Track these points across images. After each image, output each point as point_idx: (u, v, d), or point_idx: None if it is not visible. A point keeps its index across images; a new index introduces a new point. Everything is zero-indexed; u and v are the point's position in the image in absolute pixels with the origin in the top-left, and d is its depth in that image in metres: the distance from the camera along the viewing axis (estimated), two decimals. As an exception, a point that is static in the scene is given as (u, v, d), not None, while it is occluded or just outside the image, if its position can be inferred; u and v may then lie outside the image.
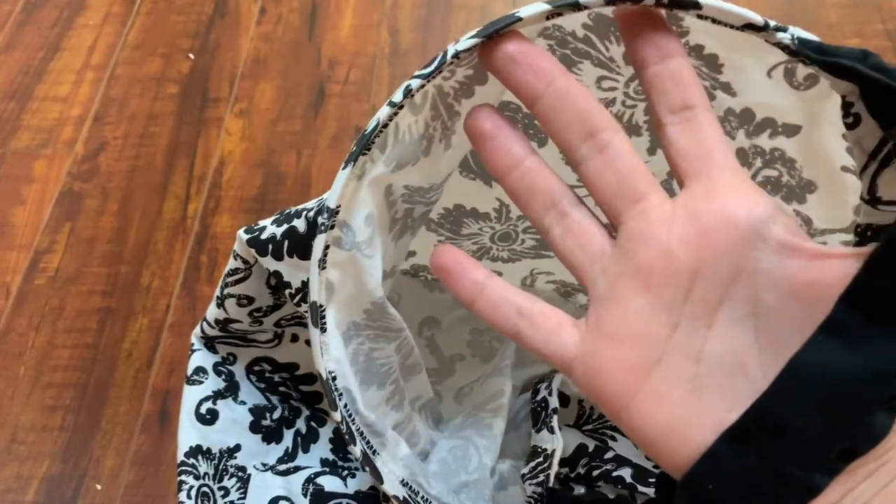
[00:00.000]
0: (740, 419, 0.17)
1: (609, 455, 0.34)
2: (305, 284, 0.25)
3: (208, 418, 0.30)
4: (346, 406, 0.23)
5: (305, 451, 0.32)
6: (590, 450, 0.34)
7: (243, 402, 0.31)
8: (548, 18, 0.19)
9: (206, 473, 0.29)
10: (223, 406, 0.31)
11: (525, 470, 0.31)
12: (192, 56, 0.63)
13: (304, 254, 0.25)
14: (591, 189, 0.19)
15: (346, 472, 0.31)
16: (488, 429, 0.33)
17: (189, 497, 0.28)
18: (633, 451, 0.34)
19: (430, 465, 0.31)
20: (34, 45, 0.65)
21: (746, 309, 0.17)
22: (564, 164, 0.30)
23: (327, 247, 0.22)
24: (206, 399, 0.30)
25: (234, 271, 0.27)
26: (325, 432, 0.33)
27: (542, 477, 0.30)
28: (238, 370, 0.32)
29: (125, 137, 0.58)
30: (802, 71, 0.24)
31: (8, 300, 0.51)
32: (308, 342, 0.32)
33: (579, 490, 0.34)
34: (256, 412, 0.31)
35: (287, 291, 0.26)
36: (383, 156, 0.22)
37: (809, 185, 0.28)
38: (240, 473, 0.30)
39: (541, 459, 0.30)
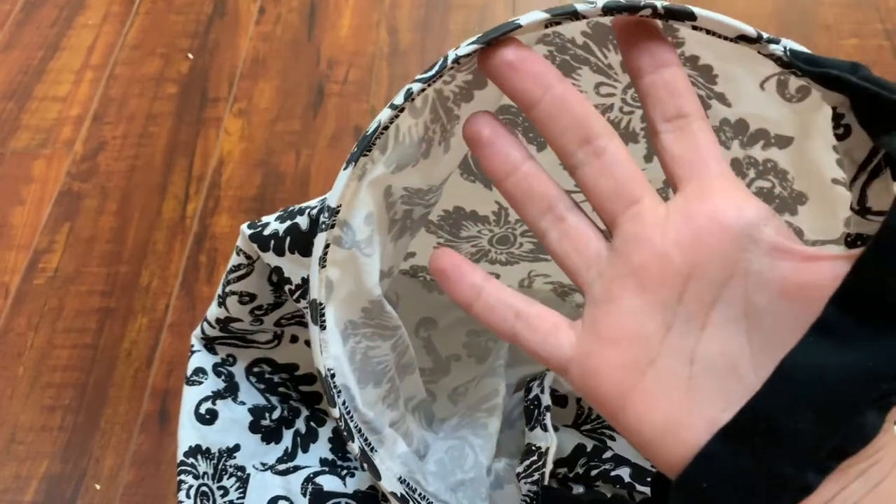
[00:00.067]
0: (734, 419, 0.17)
1: (607, 455, 0.34)
2: (305, 281, 0.25)
3: (208, 418, 0.30)
4: (344, 403, 0.23)
5: (305, 450, 0.32)
6: (588, 449, 0.34)
7: (243, 403, 0.32)
8: (547, 26, 0.19)
9: (205, 473, 0.29)
10: (223, 406, 0.31)
11: (520, 469, 0.31)
12: (191, 56, 0.63)
13: (306, 251, 0.25)
14: (587, 193, 0.20)
15: (345, 472, 0.31)
16: (483, 428, 0.33)
17: (188, 496, 0.28)
18: (631, 450, 0.35)
19: (427, 465, 0.31)
20: (33, 45, 0.65)
21: (739, 310, 0.18)
22: (562, 169, 0.30)
23: (328, 245, 0.22)
24: (206, 399, 0.31)
25: (237, 267, 0.28)
26: (325, 432, 0.33)
27: (536, 475, 0.30)
28: (238, 371, 0.32)
29: (124, 137, 0.59)
30: (794, 83, 0.24)
31: (7, 300, 0.51)
32: (308, 343, 0.32)
33: (578, 490, 0.34)
34: (256, 412, 0.32)
35: (287, 287, 0.26)
36: (384, 157, 0.22)
37: (801, 197, 0.28)
38: (239, 473, 0.30)
39: (535, 458, 0.31)
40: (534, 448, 0.31)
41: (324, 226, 0.21)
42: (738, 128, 0.27)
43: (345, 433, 0.23)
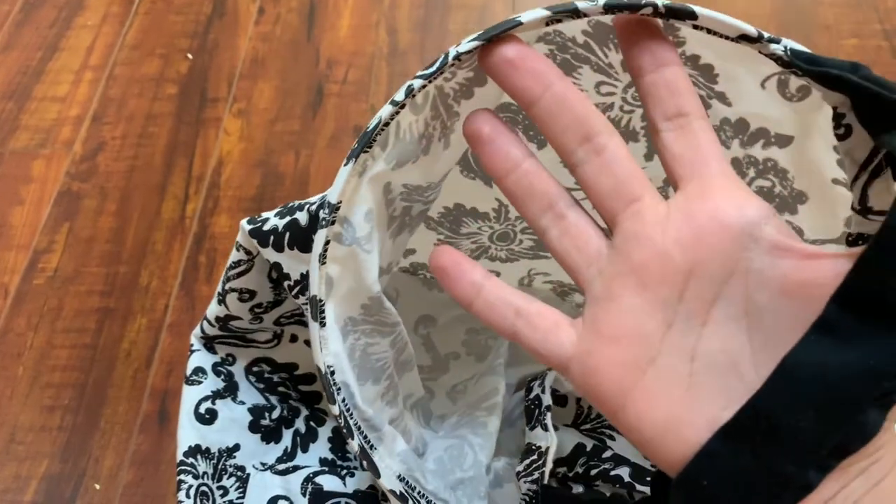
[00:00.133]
0: (734, 417, 0.17)
1: (607, 454, 0.34)
2: (305, 277, 0.25)
3: (207, 418, 0.30)
4: (344, 400, 0.23)
5: (304, 450, 0.32)
6: (588, 449, 0.34)
7: (242, 402, 0.32)
8: (548, 24, 0.19)
9: (205, 473, 0.29)
10: (222, 406, 0.31)
11: (520, 468, 0.31)
12: (190, 56, 0.63)
13: (305, 246, 0.25)
14: (588, 191, 0.20)
15: (344, 472, 0.31)
16: (483, 427, 0.33)
17: (188, 496, 0.28)
18: (631, 450, 0.35)
19: (426, 463, 0.31)
20: (32, 46, 0.65)
21: (740, 308, 0.18)
22: (563, 167, 0.30)
23: (328, 242, 0.22)
24: (206, 399, 0.31)
25: (237, 263, 0.28)
26: (324, 432, 0.33)
27: (536, 474, 0.30)
28: (237, 370, 0.32)
29: (123, 137, 0.59)
30: (795, 83, 0.24)
31: (6, 300, 0.51)
32: (307, 342, 0.32)
33: (578, 489, 0.34)
34: (255, 412, 0.32)
35: (286, 284, 0.26)
36: (384, 153, 0.22)
37: (801, 196, 0.28)
38: (239, 473, 0.30)
39: (535, 457, 0.31)
40: (534, 447, 0.31)
41: (324, 222, 0.21)
42: (738, 127, 0.27)
43: (344, 430, 0.23)
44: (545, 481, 0.30)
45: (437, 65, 0.20)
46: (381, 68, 0.61)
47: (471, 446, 0.33)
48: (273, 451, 0.32)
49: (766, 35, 0.19)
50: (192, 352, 0.31)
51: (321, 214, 0.22)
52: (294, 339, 0.32)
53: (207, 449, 0.30)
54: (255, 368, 0.32)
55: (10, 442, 0.46)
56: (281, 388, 0.33)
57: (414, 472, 0.26)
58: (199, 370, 0.31)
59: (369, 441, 0.24)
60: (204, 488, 0.29)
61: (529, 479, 0.30)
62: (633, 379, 0.19)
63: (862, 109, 0.18)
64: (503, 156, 0.20)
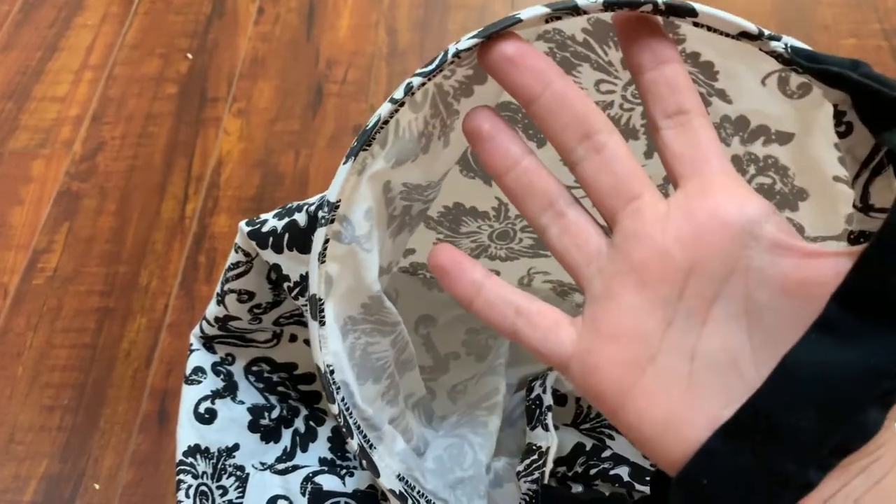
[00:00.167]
0: (734, 416, 0.17)
1: (606, 454, 0.34)
2: (304, 278, 0.25)
3: (207, 418, 0.30)
4: (343, 400, 0.23)
5: (304, 450, 0.32)
6: (587, 448, 0.34)
7: (242, 402, 0.32)
8: (547, 21, 0.19)
9: (204, 472, 0.29)
10: (222, 405, 0.31)
11: (520, 467, 0.31)
12: (190, 56, 0.63)
13: (304, 248, 0.25)
14: (587, 189, 0.20)
15: (344, 471, 0.31)
16: (483, 426, 0.33)
17: (187, 496, 0.28)
18: (630, 449, 0.35)
19: (426, 462, 0.31)
20: (32, 45, 0.65)
21: (740, 307, 0.18)
22: (563, 165, 0.30)
23: (327, 240, 0.22)
24: (205, 398, 0.31)
25: (236, 265, 0.28)
26: (324, 431, 0.33)
27: (536, 474, 0.30)
28: (236, 370, 0.32)
29: (123, 137, 0.59)
30: (796, 80, 0.24)
31: (6, 300, 0.51)
32: (307, 342, 0.32)
33: (577, 489, 0.34)
34: (255, 412, 0.32)
35: (286, 285, 0.26)
36: (383, 152, 0.22)
37: (801, 193, 0.28)
38: (238, 472, 0.30)
39: (535, 457, 0.31)
40: (534, 447, 0.31)
41: (323, 221, 0.21)
42: (738, 124, 0.27)
43: (344, 430, 0.23)
44: (545, 481, 0.30)
45: (437, 62, 0.20)
46: (380, 68, 0.61)
47: (471, 445, 0.33)
48: (272, 451, 0.32)
49: (766, 32, 0.18)
50: (192, 351, 0.31)
51: (320, 213, 0.21)
52: (293, 338, 0.32)
53: (207, 448, 0.30)
54: (254, 368, 0.32)
55: (9, 442, 0.46)
56: (280, 388, 0.33)
57: (413, 472, 0.26)
58: (198, 370, 0.31)
59: (369, 440, 0.24)
60: (203, 488, 0.29)
61: (529, 478, 0.30)
62: (632, 378, 0.18)
63: (862, 107, 0.18)
64: (503, 153, 0.20)
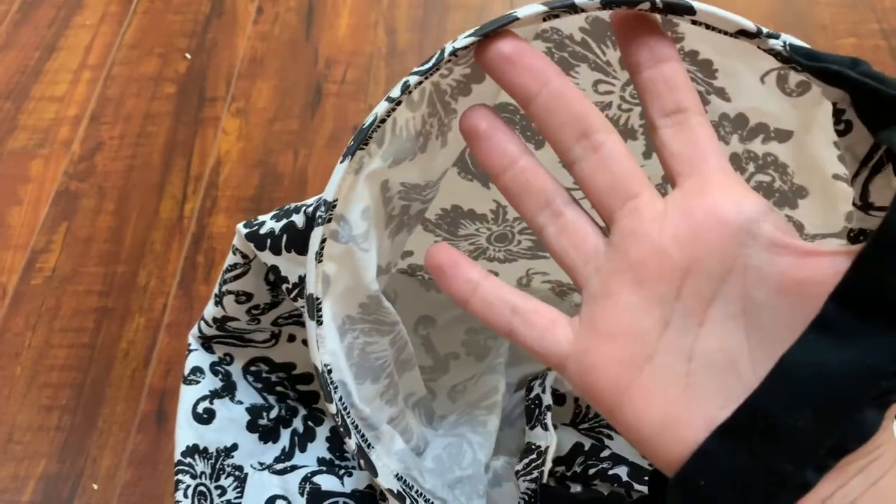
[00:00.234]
0: (732, 416, 0.17)
1: (605, 453, 0.34)
2: (302, 280, 0.25)
3: (205, 417, 0.30)
4: (341, 399, 0.23)
5: (302, 450, 0.32)
6: (586, 448, 0.34)
7: (240, 402, 0.32)
8: (545, 20, 0.19)
9: (202, 473, 0.29)
10: (220, 405, 0.31)
11: (519, 467, 0.31)
12: (188, 56, 0.63)
13: (302, 249, 0.25)
14: (585, 189, 0.20)
15: (342, 471, 0.31)
16: (482, 426, 0.33)
17: (186, 496, 0.28)
18: (629, 449, 0.35)
19: (425, 462, 0.31)
20: (31, 45, 0.65)
21: (737, 306, 0.18)
22: (561, 166, 0.30)
23: (324, 240, 0.22)
24: (203, 398, 0.30)
25: (233, 266, 0.28)
26: (323, 431, 0.33)
27: (535, 474, 0.30)
28: (235, 370, 0.32)
29: (122, 137, 0.58)
30: (794, 78, 0.24)
31: (4, 300, 0.51)
32: (305, 342, 0.32)
33: (576, 488, 0.34)
34: (253, 411, 0.32)
35: (284, 287, 0.26)
36: (380, 151, 0.22)
37: (801, 191, 0.28)
38: (237, 472, 0.30)
39: (534, 456, 0.31)
40: (533, 447, 0.31)
41: (320, 220, 0.21)
42: (737, 122, 0.27)
43: (342, 429, 0.23)
44: (544, 480, 0.30)
45: (434, 61, 0.20)
46: (379, 68, 0.61)
47: (470, 445, 0.33)
48: (271, 451, 0.32)
49: (764, 30, 0.18)
50: (190, 351, 0.31)
51: (317, 213, 0.21)
52: (292, 338, 0.32)
53: (205, 449, 0.30)
54: (252, 368, 0.32)
55: (7, 442, 0.45)
56: (279, 388, 0.33)
57: (412, 471, 0.26)
58: (196, 370, 0.31)
59: (367, 440, 0.24)
60: (202, 488, 0.29)
61: (528, 478, 0.30)
62: (629, 377, 0.18)
63: (861, 105, 0.18)
64: (500, 152, 0.20)
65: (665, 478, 0.18)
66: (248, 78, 0.61)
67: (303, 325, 0.31)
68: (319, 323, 0.22)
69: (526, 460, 0.31)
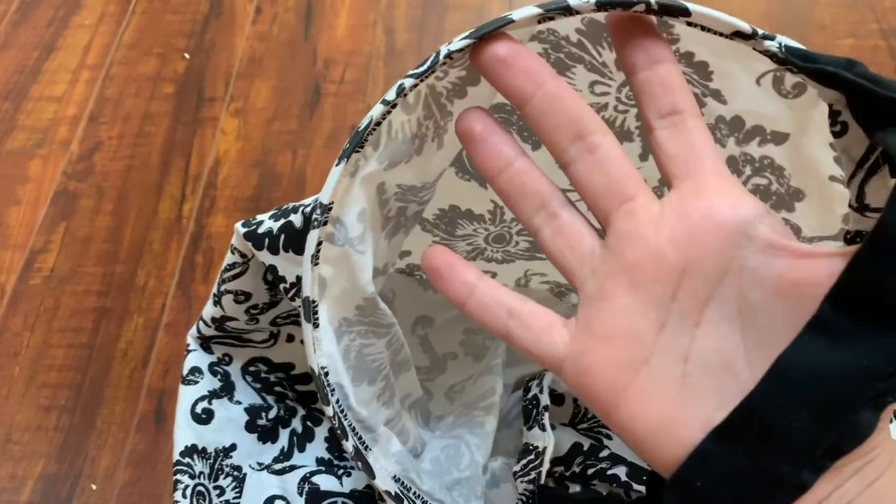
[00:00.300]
0: (728, 418, 0.17)
1: (604, 453, 0.34)
2: (300, 279, 0.25)
3: (204, 418, 0.30)
4: (338, 401, 0.23)
5: (301, 450, 0.32)
6: (585, 448, 0.34)
7: (239, 402, 0.32)
8: (540, 22, 0.19)
9: (201, 473, 0.29)
10: (219, 405, 0.31)
11: (517, 467, 0.31)
12: (187, 55, 0.63)
13: (300, 249, 0.25)
14: (580, 190, 0.20)
15: (341, 471, 0.31)
16: (480, 427, 0.33)
17: (184, 496, 0.28)
18: (628, 449, 0.35)
19: (422, 463, 0.31)
20: (29, 45, 0.65)
21: (733, 308, 0.18)
22: (558, 168, 0.30)
23: (320, 243, 0.22)
24: (202, 399, 0.31)
25: (232, 266, 0.28)
26: (321, 431, 0.33)
27: (533, 474, 0.30)
28: (234, 370, 0.32)
29: (120, 137, 0.58)
30: (790, 79, 0.24)
31: (3, 300, 0.51)
32: (304, 342, 0.32)
33: (575, 488, 0.34)
34: (252, 412, 0.32)
35: (282, 286, 0.26)
36: (376, 153, 0.22)
37: (798, 194, 0.28)
38: (235, 473, 0.30)
39: (532, 457, 0.31)
40: (531, 447, 0.31)
41: (316, 223, 0.21)
42: (733, 125, 0.27)
43: (339, 431, 0.23)
44: (542, 481, 0.30)
45: (429, 63, 0.20)
46: (378, 68, 0.61)
47: (467, 446, 0.33)
48: (270, 451, 0.32)
49: (760, 32, 0.18)
50: (189, 352, 0.31)
51: (313, 216, 0.21)
52: (290, 338, 0.32)
53: (204, 449, 0.30)
54: (251, 368, 0.32)
55: (6, 442, 0.45)
56: (278, 388, 0.33)
57: (409, 473, 0.26)
58: (195, 370, 0.31)
59: (364, 442, 0.24)
60: (200, 488, 0.29)
61: (526, 478, 0.30)
62: (626, 379, 0.18)
63: (857, 107, 0.18)
64: (496, 154, 0.20)
65: (662, 479, 0.18)
66: (247, 78, 0.61)
67: (301, 324, 0.31)
68: (316, 326, 0.22)
69: (524, 461, 0.31)
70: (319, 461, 0.32)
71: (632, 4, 0.18)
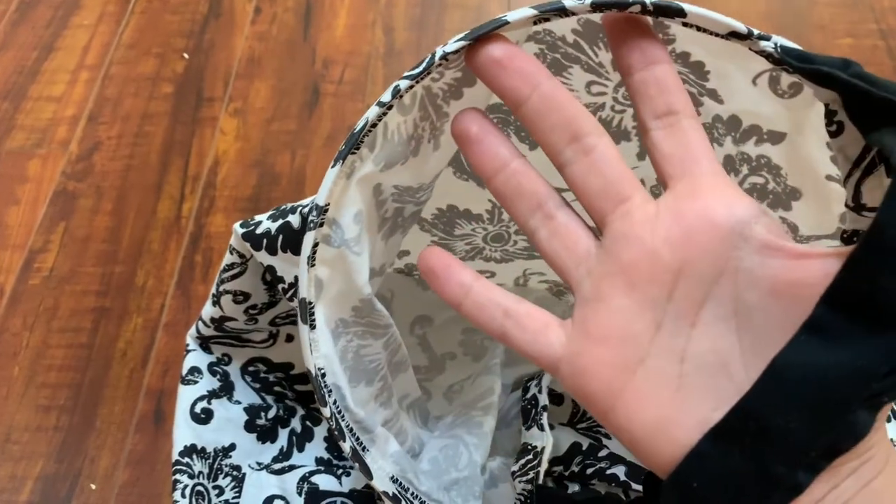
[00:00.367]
0: (724, 418, 0.17)
1: (603, 453, 0.34)
2: (298, 280, 0.25)
3: (203, 417, 0.30)
4: (335, 402, 0.23)
5: (300, 450, 0.32)
6: (584, 448, 0.34)
7: (238, 402, 0.32)
8: (536, 23, 0.19)
9: (200, 472, 0.29)
10: (218, 405, 0.31)
11: (515, 467, 0.31)
12: (186, 56, 0.63)
13: (298, 249, 0.25)
14: (576, 192, 0.20)
15: (340, 471, 0.31)
16: (478, 427, 0.33)
17: (183, 496, 0.28)
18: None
19: (421, 464, 0.31)
20: (28, 45, 0.65)
21: (729, 308, 0.18)
22: (555, 169, 0.30)
23: (316, 244, 0.22)
24: (201, 398, 0.31)
25: (230, 266, 0.28)
26: (320, 431, 0.33)
27: (531, 474, 0.30)
28: (233, 370, 0.32)
29: (119, 137, 0.58)
30: (787, 79, 0.24)
31: (2, 300, 0.51)
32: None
33: (573, 488, 0.34)
34: (251, 411, 0.32)
35: (280, 287, 0.26)
36: (372, 155, 0.22)
37: (794, 193, 0.28)
38: (234, 472, 0.30)
39: (531, 457, 0.31)
40: (530, 447, 0.31)
41: (312, 224, 0.21)
42: (730, 124, 0.27)
43: (336, 432, 0.23)
44: (540, 481, 0.30)
45: (424, 65, 0.20)
46: (377, 68, 0.61)
47: (466, 446, 0.33)
48: (269, 451, 0.32)
49: (755, 32, 0.18)
50: (188, 352, 0.31)
51: (309, 217, 0.22)
52: (290, 338, 0.32)
53: (203, 448, 0.30)
54: (250, 368, 0.32)
55: (5, 442, 0.46)
56: (277, 388, 0.33)
57: (407, 473, 0.26)
58: (194, 370, 0.31)
59: (361, 443, 0.24)
60: (200, 488, 0.29)
61: (524, 478, 0.30)
62: (622, 380, 0.18)
63: (852, 107, 0.18)
64: (491, 155, 0.20)
65: (659, 479, 0.18)
66: (246, 78, 0.61)
67: (299, 325, 0.31)
68: (312, 327, 0.22)
69: (522, 461, 0.31)
70: (319, 461, 0.32)
71: (627, 5, 0.18)
